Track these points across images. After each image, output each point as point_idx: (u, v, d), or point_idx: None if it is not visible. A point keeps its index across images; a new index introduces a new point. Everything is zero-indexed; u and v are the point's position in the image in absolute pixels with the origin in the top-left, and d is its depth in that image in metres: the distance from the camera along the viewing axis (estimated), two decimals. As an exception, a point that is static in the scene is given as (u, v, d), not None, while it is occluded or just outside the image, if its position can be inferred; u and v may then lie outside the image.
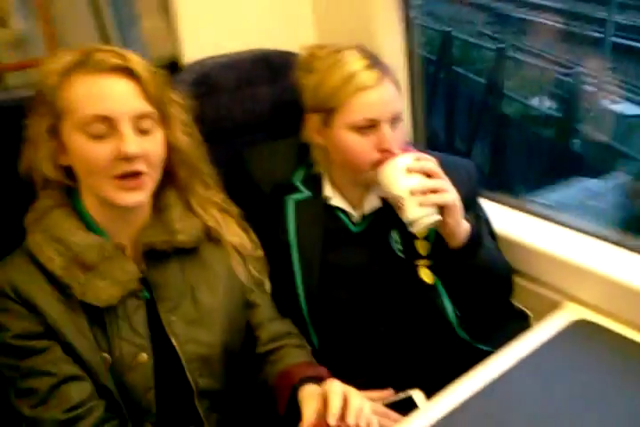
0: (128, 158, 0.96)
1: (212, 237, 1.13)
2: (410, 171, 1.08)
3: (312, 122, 1.20)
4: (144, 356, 1.02)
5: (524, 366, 1.10)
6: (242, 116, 1.39)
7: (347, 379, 1.16)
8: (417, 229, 1.08)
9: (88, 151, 0.97)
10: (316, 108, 1.18)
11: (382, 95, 1.13)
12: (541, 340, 1.15)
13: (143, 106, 0.99)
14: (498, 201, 1.45)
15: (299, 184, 1.22)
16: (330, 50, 1.20)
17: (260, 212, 1.22)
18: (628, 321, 1.17)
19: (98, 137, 0.97)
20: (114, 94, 0.98)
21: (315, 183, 1.22)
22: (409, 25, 1.43)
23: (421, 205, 1.06)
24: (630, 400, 1.02)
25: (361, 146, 1.13)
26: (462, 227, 1.11)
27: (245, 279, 1.14)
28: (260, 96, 1.40)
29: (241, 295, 1.14)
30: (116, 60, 0.98)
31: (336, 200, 1.21)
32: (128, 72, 0.99)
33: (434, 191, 1.07)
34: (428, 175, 1.08)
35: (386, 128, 1.12)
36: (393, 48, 1.44)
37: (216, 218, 1.13)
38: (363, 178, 1.17)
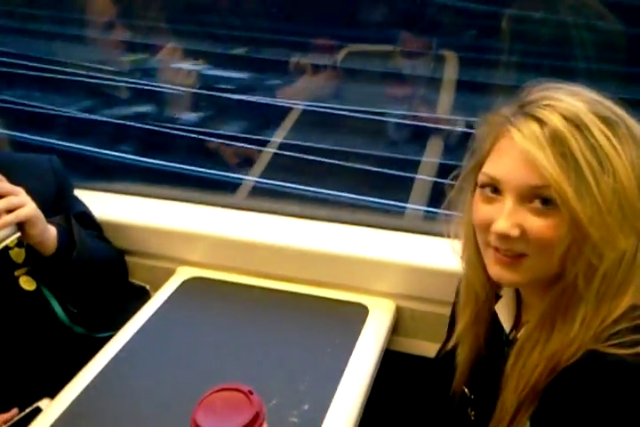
0: None
1: None
2: None
3: None
4: None
5: (145, 334, 1.15)
6: None
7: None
8: None
9: None
10: None
11: None
12: (156, 307, 1.21)
13: None
14: (92, 188, 1.47)
15: None
16: None
17: None
18: (228, 268, 1.31)
19: None
20: None
21: None
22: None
23: None
24: (241, 334, 1.15)
25: None
26: (49, 233, 1.09)
27: None
28: None
29: None
30: None
31: None
32: None
33: (6, 211, 1.03)
34: None
35: None
36: None
37: None
38: None
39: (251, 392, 0.79)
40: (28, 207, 1.05)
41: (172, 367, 1.08)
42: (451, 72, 1.66)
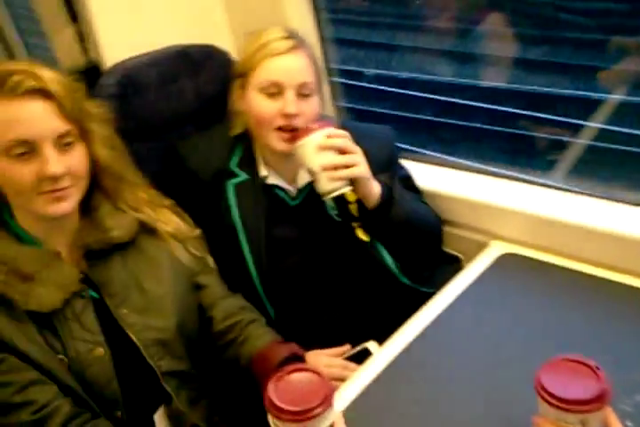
0: (53, 178, 1.00)
1: (147, 228, 1.17)
2: (321, 148, 1.17)
3: (235, 88, 1.30)
4: (100, 350, 1.06)
5: (463, 301, 1.22)
6: (169, 111, 1.45)
7: (307, 341, 1.28)
8: (328, 199, 1.21)
9: (13, 173, 1.00)
10: (237, 73, 1.29)
11: (291, 62, 1.23)
12: (474, 276, 1.28)
13: (62, 125, 1.02)
14: (420, 160, 1.57)
15: (235, 168, 1.31)
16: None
17: (202, 198, 1.31)
18: (546, 248, 1.31)
19: (21, 159, 0.99)
20: (32, 117, 1.00)
21: (250, 165, 1.32)
22: (319, 13, 1.55)
23: (331, 179, 1.16)
24: (563, 316, 1.15)
25: (265, 108, 1.22)
26: (374, 190, 1.22)
27: (188, 262, 1.20)
28: (183, 90, 1.47)
29: (187, 279, 1.20)
30: (31, 83, 0.99)
31: (272, 178, 1.31)
32: (44, 93, 1.00)
33: (344, 166, 1.18)
34: (341, 150, 1.19)
35: (290, 94, 1.21)
36: (305, 30, 1.52)
37: (147, 213, 1.18)
38: (290, 154, 1.25)
39: (597, 368, 0.79)
40: (361, 166, 1.19)
41: (490, 335, 1.13)
42: None
